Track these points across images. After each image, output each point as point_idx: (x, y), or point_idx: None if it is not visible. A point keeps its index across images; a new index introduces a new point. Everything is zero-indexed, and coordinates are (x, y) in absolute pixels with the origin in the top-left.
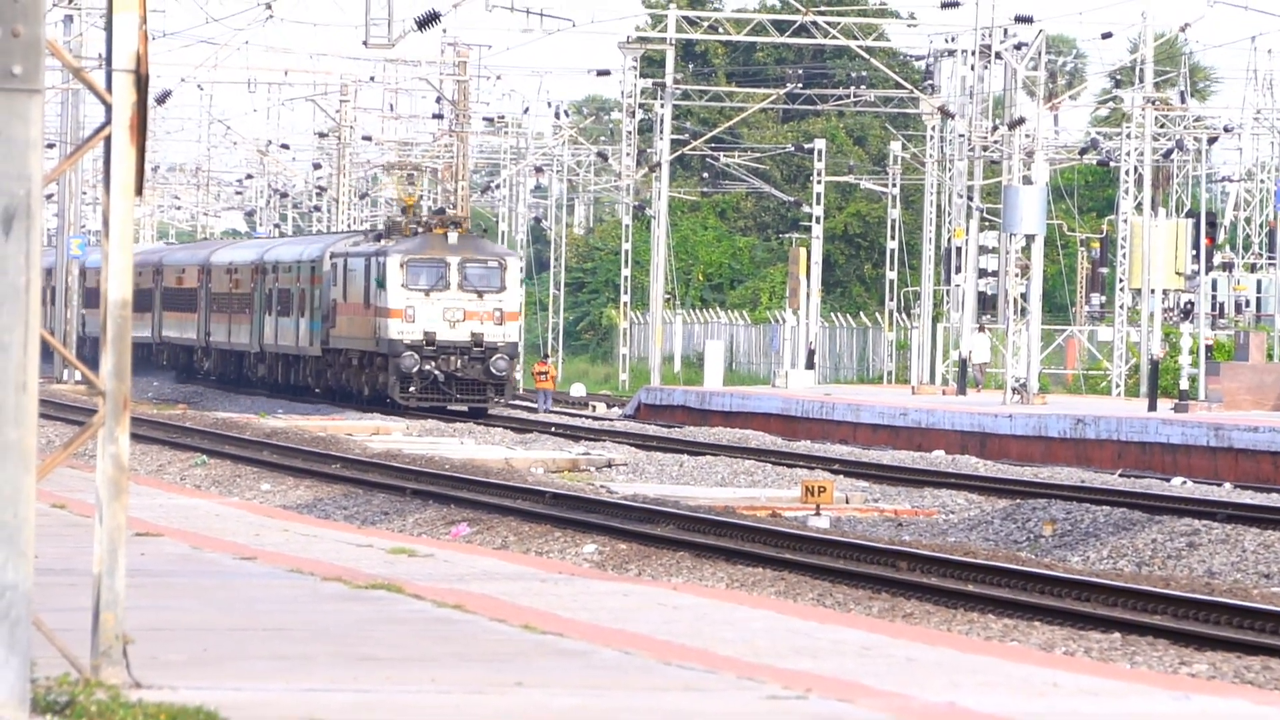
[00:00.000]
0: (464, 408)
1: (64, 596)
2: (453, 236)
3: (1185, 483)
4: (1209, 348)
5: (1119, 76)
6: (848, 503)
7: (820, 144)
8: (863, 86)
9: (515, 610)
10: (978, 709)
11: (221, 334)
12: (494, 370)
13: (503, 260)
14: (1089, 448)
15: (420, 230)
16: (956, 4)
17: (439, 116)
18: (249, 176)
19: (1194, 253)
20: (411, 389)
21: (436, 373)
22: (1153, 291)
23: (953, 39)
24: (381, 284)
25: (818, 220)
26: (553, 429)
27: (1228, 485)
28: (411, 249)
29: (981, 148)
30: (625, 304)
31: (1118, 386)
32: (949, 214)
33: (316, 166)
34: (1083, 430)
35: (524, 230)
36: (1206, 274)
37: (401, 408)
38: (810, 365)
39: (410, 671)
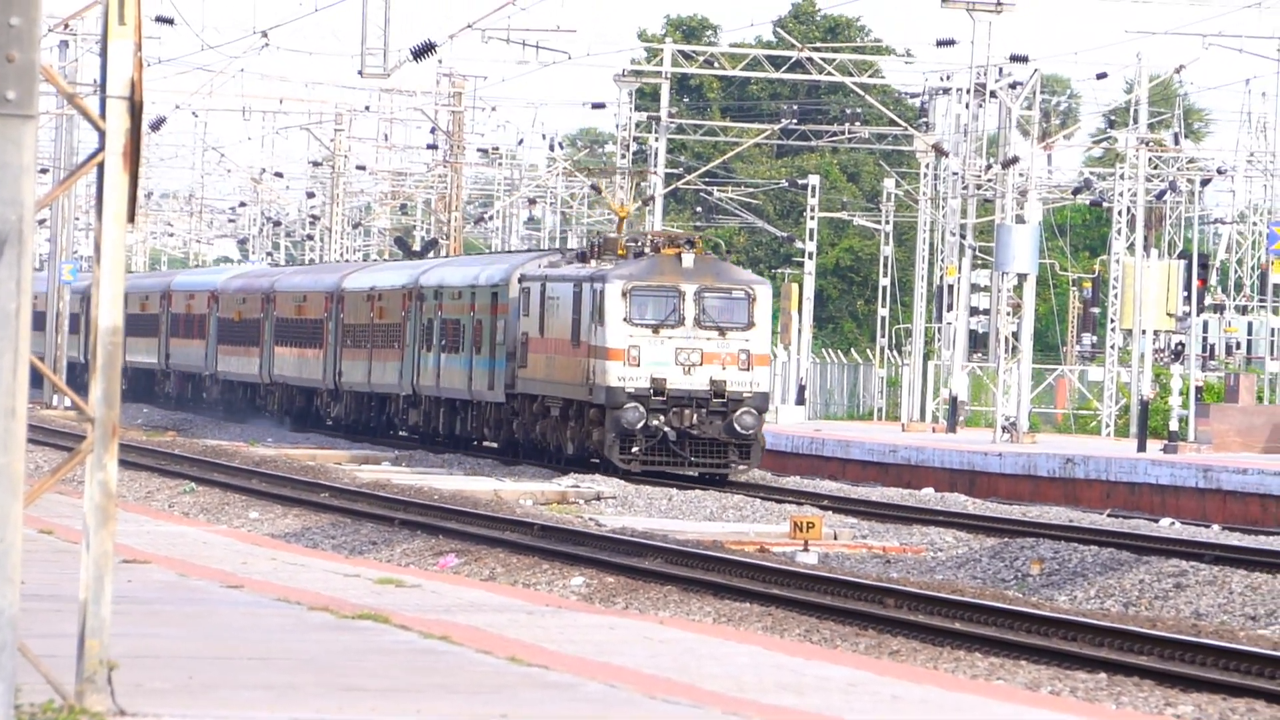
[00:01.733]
0: (694, 473)
1: (50, 622)
2: (688, 258)
3: (1173, 524)
4: (1199, 389)
5: (1113, 117)
6: (836, 539)
7: (814, 180)
8: (857, 123)
9: (502, 642)
10: None
11: (358, 373)
12: (738, 427)
13: (750, 289)
14: (1078, 487)
15: (646, 250)
16: (952, 42)
17: (433, 147)
18: (242, 204)
19: (1185, 294)
20: (634, 449)
21: (666, 429)
22: (1144, 332)
23: (948, 77)
24: (598, 316)
25: (810, 256)
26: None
27: (1216, 527)
28: (636, 274)
29: (975, 186)
30: None
31: (1107, 426)
32: (941, 251)
33: (310, 195)
34: (1072, 470)
35: None
36: (1198, 315)
37: (620, 471)
38: (801, 401)
39: (396, 702)
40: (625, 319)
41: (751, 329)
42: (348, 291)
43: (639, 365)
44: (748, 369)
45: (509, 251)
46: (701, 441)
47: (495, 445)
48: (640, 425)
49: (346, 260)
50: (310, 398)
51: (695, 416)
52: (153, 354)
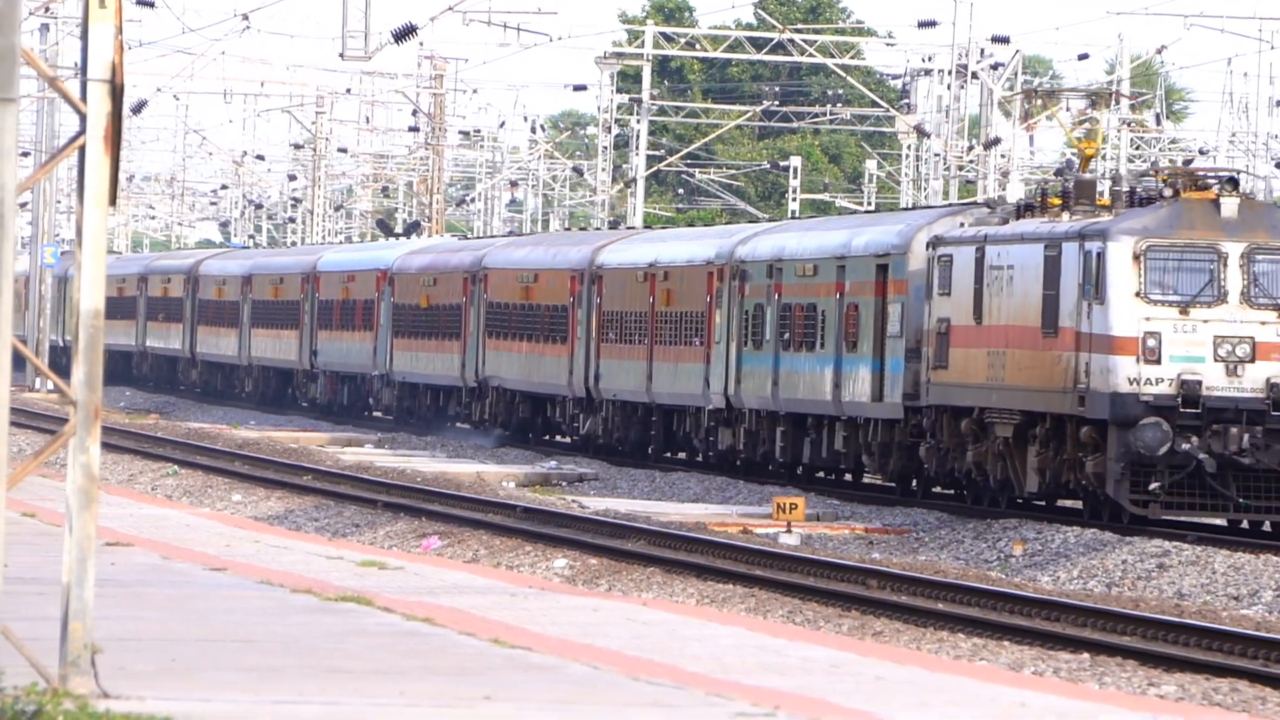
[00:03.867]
0: (1221, 521)
1: (33, 605)
2: (1229, 205)
3: None
4: None
5: (1095, 97)
6: (819, 520)
7: (796, 161)
8: (839, 104)
9: (484, 624)
10: None
11: (629, 378)
12: None
13: None
14: None
15: (1162, 194)
16: (933, 24)
17: (415, 129)
18: (224, 187)
19: None
20: (1154, 484)
21: (1202, 456)
22: None
23: (929, 58)
24: (1093, 290)
25: None
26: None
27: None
28: (1153, 227)
29: (957, 167)
30: None
31: None
32: None
33: (292, 178)
34: None
35: None
36: None
37: (1131, 517)
38: None
39: (379, 684)
40: (1138, 294)
41: None
42: (607, 269)
43: (1159, 362)
44: None
45: (876, 210)
46: (1255, 475)
47: (891, 484)
48: (1163, 450)
49: (557, 230)
50: (542, 407)
51: (1246, 438)
52: (291, 351)
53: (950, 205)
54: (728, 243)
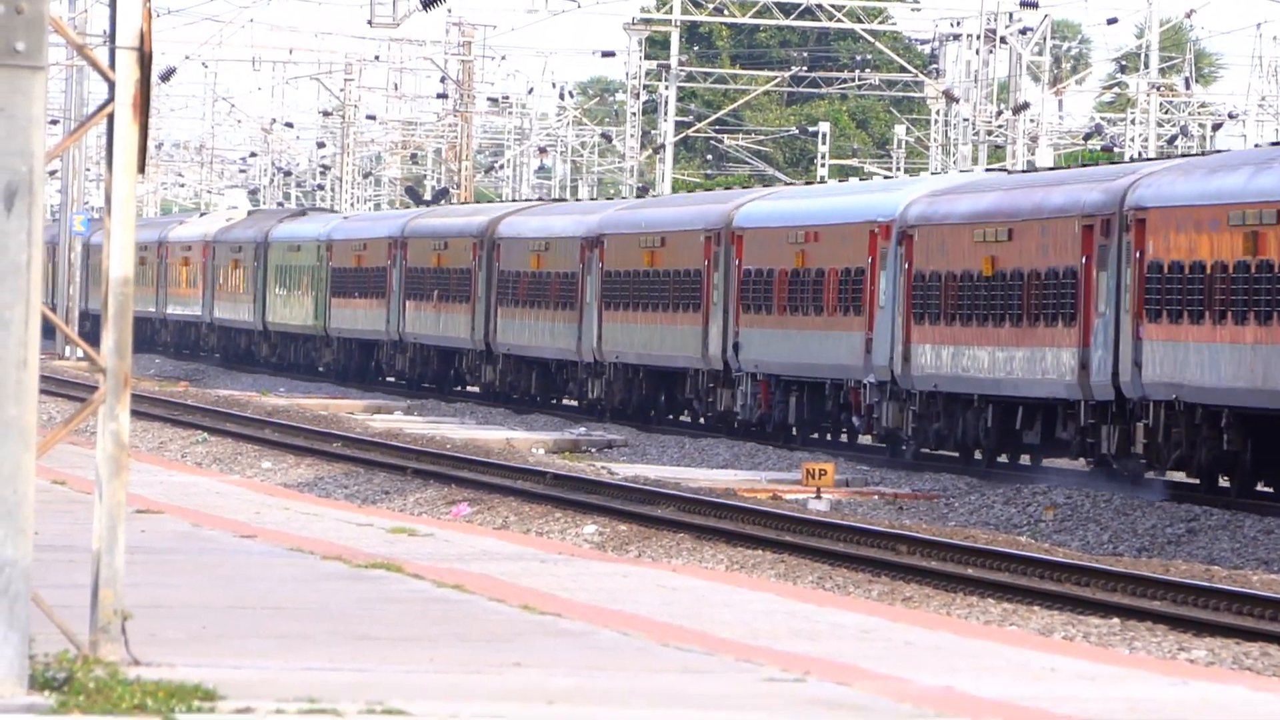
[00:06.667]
0: None
1: (63, 573)
2: None
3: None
4: None
5: (1124, 62)
6: (848, 485)
7: (824, 127)
8: (867, 70)
9: (514, 590)
10: (975, 693)
11: (1210, 368)
12: None
13: None
14: None
15: None
16: None
17: (443, 96)
18: (253, 154)
19: None
20: None
21: None
22: None
23: (958, 23)
24: None
25: None
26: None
27: None
28: None
29: (986, 132)
30: None
31: None
32: None
33: (320, 145)
34: None
35: None
36: None
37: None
38: None
39: (409, 651)
40: None
41: None
42: (1153, 206)
43: None
44: None
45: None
46: None
47: None
48: None
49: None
50: (1024, 415)
51: None
52: (688, 343)
53: None
54: None
